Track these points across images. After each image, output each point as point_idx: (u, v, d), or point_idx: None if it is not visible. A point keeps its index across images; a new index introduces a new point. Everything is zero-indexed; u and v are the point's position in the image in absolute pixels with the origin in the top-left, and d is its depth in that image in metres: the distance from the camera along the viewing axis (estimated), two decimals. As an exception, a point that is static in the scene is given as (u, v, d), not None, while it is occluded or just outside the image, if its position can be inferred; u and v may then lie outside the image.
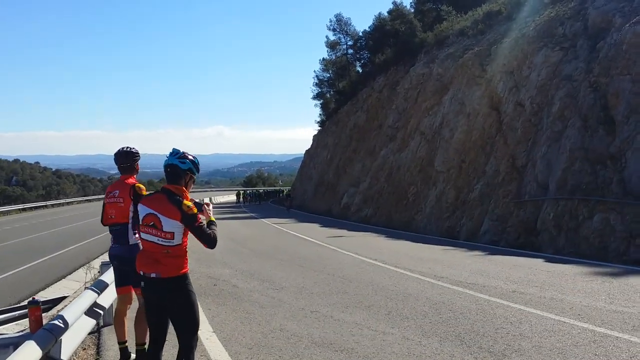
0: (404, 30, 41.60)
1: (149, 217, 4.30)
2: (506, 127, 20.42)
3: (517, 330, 6.46)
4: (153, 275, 4.22)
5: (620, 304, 7.64)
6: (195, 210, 4.25)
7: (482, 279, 10.13)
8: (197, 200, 4.69)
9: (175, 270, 4.23)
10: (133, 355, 5.81)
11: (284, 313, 7.79)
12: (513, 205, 18.04)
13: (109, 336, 6.91)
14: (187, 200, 4.29)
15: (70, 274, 15.57)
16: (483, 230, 18.81)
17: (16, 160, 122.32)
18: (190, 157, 4.44)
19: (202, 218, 4.36)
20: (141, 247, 4.47)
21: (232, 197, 75.40)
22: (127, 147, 5.89)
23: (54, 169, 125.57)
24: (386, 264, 12.39)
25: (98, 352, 6.45)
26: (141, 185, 5.74)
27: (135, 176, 5.92)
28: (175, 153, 4.42)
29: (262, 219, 33.62)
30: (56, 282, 14.63)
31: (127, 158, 5.84)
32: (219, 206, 58.15)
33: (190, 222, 4.22)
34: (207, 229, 4.31)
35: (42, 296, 11.41)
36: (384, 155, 33.32)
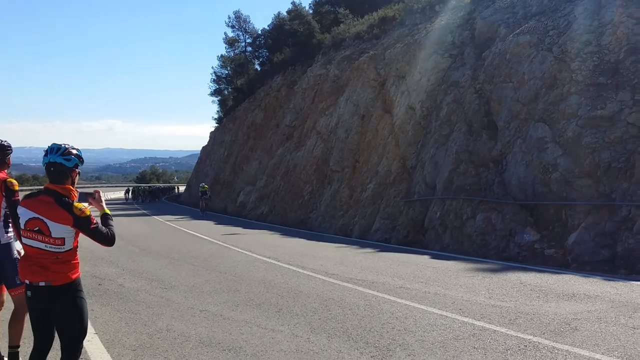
0: (302, 30, 41.98)
1: (33, 221, 3.93)
2: (398, 129, 21.12)
3: (402, 325, 6.67)
4: (42, 283, 3.88)
5: (499, 298, 8.10)
6: (88, 212, 3.94)
7: (371, 275, 10.40)
8: (85, 191, 4.43)
9: (67, 276, 3.94)
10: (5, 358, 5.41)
11: (172, 313, 7.58)
12: (403, 204, 18.69)
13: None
14: (75, 200, 3.98)
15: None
16: (375, 228, 19.33)
17: None
18: (74, 151, 4.07)
19: (96, 216, 4.09)
20: (22, 252, 4.11)
21: (123, 194, 72.65)
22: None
23: None
24: (279, 262, 12.42)
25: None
26: (13, 180, 5.33)
27: (6, 171, 5.50)
28: (57, 149, 4.01)
29: (155, 216, 32.67)
30: None
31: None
32: (109, 202, 55.89)
33: (85, 226, 3.93)
34: (104, 229, 4.02)
35: None
36: (280, 154, 33.43)
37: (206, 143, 60.16)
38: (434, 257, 13.53)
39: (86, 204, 4.14)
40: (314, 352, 5.72)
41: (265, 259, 13.04)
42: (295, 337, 6.28)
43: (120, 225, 24.82)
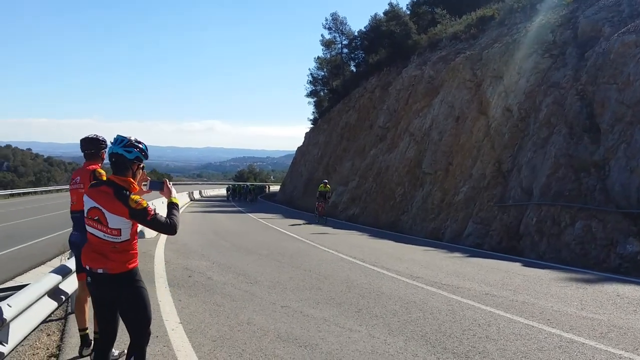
0: (399, 31, 41.63)
1: (93, 210, 4.03)
2: (494, 131, 20.45)
3: (484, 333, 6.43)
4: (100, 271, 3.99)
5: (591, 310, 7.63)
6: (145, 204, 3.97)
7: (457, 280, 10.10)
8: (155, 179, 4.52)
9: (123, 265, 4.01)
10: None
11: (254, 307, 7.73)
12: (497, 209, 18.06)
13: (74, 323, 6.83)
14: (134, 193, 4.04)
15: (49, 260, 15.41)
16: (467, 233, 18.81)
17: (8, 146, 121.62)
18: (139, 144, 4.13)
19: (155, 206, 4.14)
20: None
21: (223, 191, 74.88)
22: (94, 135, 5.84)
23: (45, 156, 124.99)
24: (364, 263, 12.35)
25: (62, 339, 6.38)
26: (101, 171, 5.64)
27: (100, 164, 5.83)
28: (120, 141, 4.09)
29: (249, 214, 33.53)
30: (32, 269, 14.48)
31: (91, 144, 5.76)
32: (207, 199, 58.01)
33: (141, 218, 3.96)
34: (163, 218, 4.04)
35: (9, 284, 11.25)
36: (373, 155, 33.31)
37: (301, 144, 61.03)
38: (526, 264, 12.95)
39: (145, 191, 4.23)
40: (389, 354, 5.65)
41: (350, 259, 13.02)
42: (372, 337, 6.22)
43: (216, 221, 25.70)
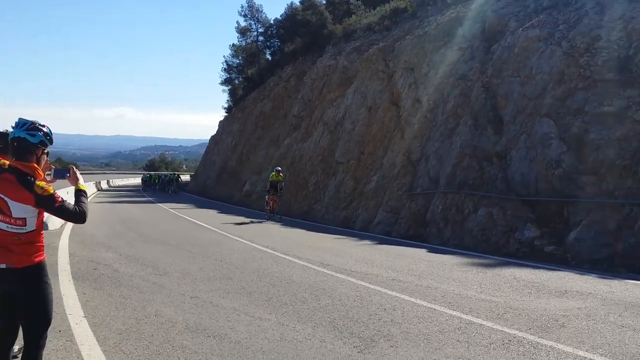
0: (314, 21, 41.78)
1: None
2: (404, 122, 20.97)
3: (389, 317, 6.59)
4: (3, 266, 3.71)
5: (490, 293, 7.98)
6: (52, 190, 3.74)
7: (366, 267, 10.30)
8: (59, 167, 4.29)
9: (30, 258, 3.77)
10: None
11: (163, 299, 7.54)
12: (406, 197, 18.55)
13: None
14: (40, 179, 3.78)
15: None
16: (377, 221, 19.21)
17: None
18: (42, 128, 3.88)
19: (62, 194, 3.92)
20: None
21: (132, 181, 72.75)
22: (5, 129, 5.46)
23: None
24: (276, 251, 12.34)
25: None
26: (6, 161, 5.29)
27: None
28: (22, 124, 3.83)
29: (160, 204, 32.74)
30: None
31: (1, 139, 5.39)
32: (116, 189, 56.13)
33: (48, 205, 3.73)
34: (71, 206, 3.82)
35: None
36: (287, 144, 33.37)
37: (215, 132, 60.21)
38: (431, 250, 13.42)
39: (50, 180, 4.00)
40: (297, 340, 5.66)
41: (262, 248, 12.98)
42: (281, 325, 6.22)
43: (125, 212, 24.91)
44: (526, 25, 16.56)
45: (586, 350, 5.27)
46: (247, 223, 20.48)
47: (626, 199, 11.44)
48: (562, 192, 12.91)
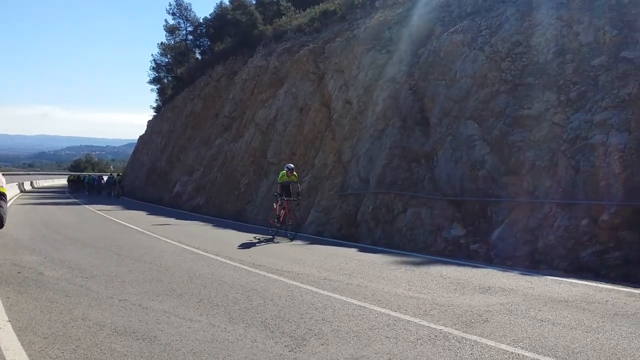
0: (244, 21, 41.54)
1: None
2: (335, 123, 21.19)
3: (321, 315, 6.68)
4: None
5: (417, 290, 8.22)
6: None
7: (297, 267, 10.38)
8: None
9: None
10: None
11: (90, 302, 7.38)
12: (338, 198, 18.76)
13: None
14: None
15: None
16: (309, 221, 19.33)
17: None
18: None
19: None
20: None
21: (57, 182, 70.12)
22: None
23: None
24: (207, 253, 12.26)
25: None
26: None
27: None
28: None
29: (86, 205, 31.73)
30: None
31: None
32: (40, 190, 53.99)
33: None
34: None
35: None
36: (218, 145, 33.05)
37: (143, 132, 58.85)
38: (362, 250, 13.66)
39: None
40: (229, 341, 5.67)
41: (193, 249, 12.86)
42: (213, 326, 6.21)
43: (49, 214, 24.02)
44: (451, 30, 17.09)
45: (508, 344, 5.53)
46: (166, 224, 20.11)
47: (545, 199, 12.00)
48: (485, 192, 13.42)
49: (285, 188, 16.62)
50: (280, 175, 16.96)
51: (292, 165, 17.16)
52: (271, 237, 15.85)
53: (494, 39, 15.22)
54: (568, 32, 13.56)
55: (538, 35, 14.24)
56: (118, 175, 50.44)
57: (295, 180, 16.81)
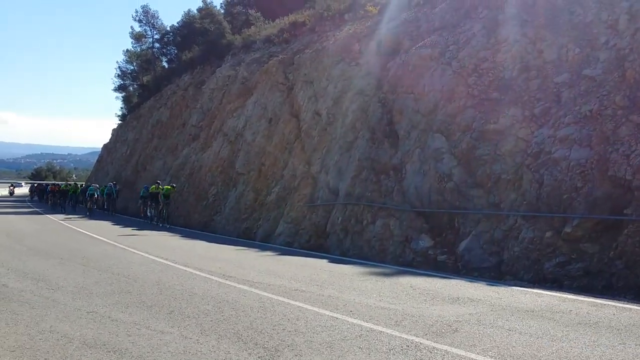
0: (212, 30, 41.47)
1: None
2: (304, 134, 21.32)
3: (293, 327, 6.74)
4: None
5: (388, 301, 8.34)
6: None
7: (268, 278, 10.42)
8: None
9: None
10: None
11: (57, 314, 7.30)
12: (307, 209, 18.86)
13: None
14: None
15: None
16: (278, 232, 19.39)
17: None
18: None
19: None
20: None
21: (18, 190, 68.58)
22: None
23: None
24: (176, 264, 12.19)
25: None
26: None
27: None
28: None
29: (48, 215, 31.13)
30: None
31: None
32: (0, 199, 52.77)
33: None
34: None
35: None
36: (186, 155, 32.83)
37: (108, 140, 58.07)
38: (332, 261, 13.75)
39: None
40: (202, 353, 5.69)
41: (161, 260, 12.77)
42: (185, 338, 6.21)
43: (9, 223, 23.51)
44: (419, 45, 17.36)
45: (477, 354, 5.68)
46: (133, 235, 19.97)
47: (510, 211, 12.30)
48: (453, 204, 13.66)
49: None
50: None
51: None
52: None
53: (461, 54, 15.54)
54: (533, 50, 13.92)
55: (504, 52, 14.59)
56: (114, 183, 37.69)
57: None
